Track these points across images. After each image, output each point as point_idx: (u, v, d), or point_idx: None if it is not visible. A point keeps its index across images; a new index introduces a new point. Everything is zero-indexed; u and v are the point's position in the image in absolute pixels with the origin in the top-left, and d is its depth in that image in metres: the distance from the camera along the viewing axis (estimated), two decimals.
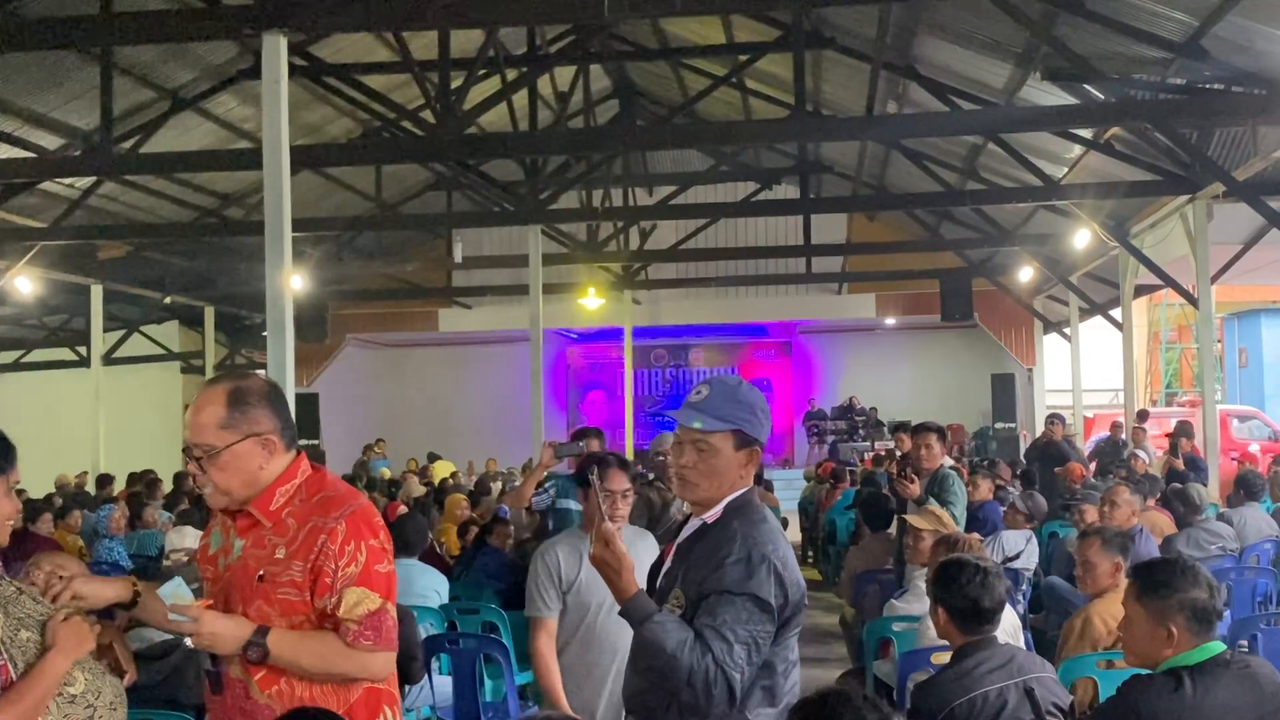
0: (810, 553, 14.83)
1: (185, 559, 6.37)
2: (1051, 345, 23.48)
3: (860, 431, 22.34)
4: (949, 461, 7.38)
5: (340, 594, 2.71)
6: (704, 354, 26.83)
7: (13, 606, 2.78)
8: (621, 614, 2.84)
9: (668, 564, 3.05)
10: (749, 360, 26.86)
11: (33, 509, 10.28)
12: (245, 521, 2.81)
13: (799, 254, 19.51)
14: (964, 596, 3.82)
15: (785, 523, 14.68)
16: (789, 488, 18.37)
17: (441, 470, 18.34)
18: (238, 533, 2.81)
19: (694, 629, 2.75)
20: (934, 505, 6.39)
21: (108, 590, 2.89)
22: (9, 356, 22.65)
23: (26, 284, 15.40)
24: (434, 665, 6.13)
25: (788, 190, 20.89)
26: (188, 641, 2.70)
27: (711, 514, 2.94)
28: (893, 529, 7.68)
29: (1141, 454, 13.74)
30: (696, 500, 3.00)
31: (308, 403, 19.80)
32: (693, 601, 2.82)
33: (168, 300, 19.53)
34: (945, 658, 4.08)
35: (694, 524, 3.00)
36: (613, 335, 23.90)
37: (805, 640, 10.12)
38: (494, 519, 9.16)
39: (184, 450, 2.84)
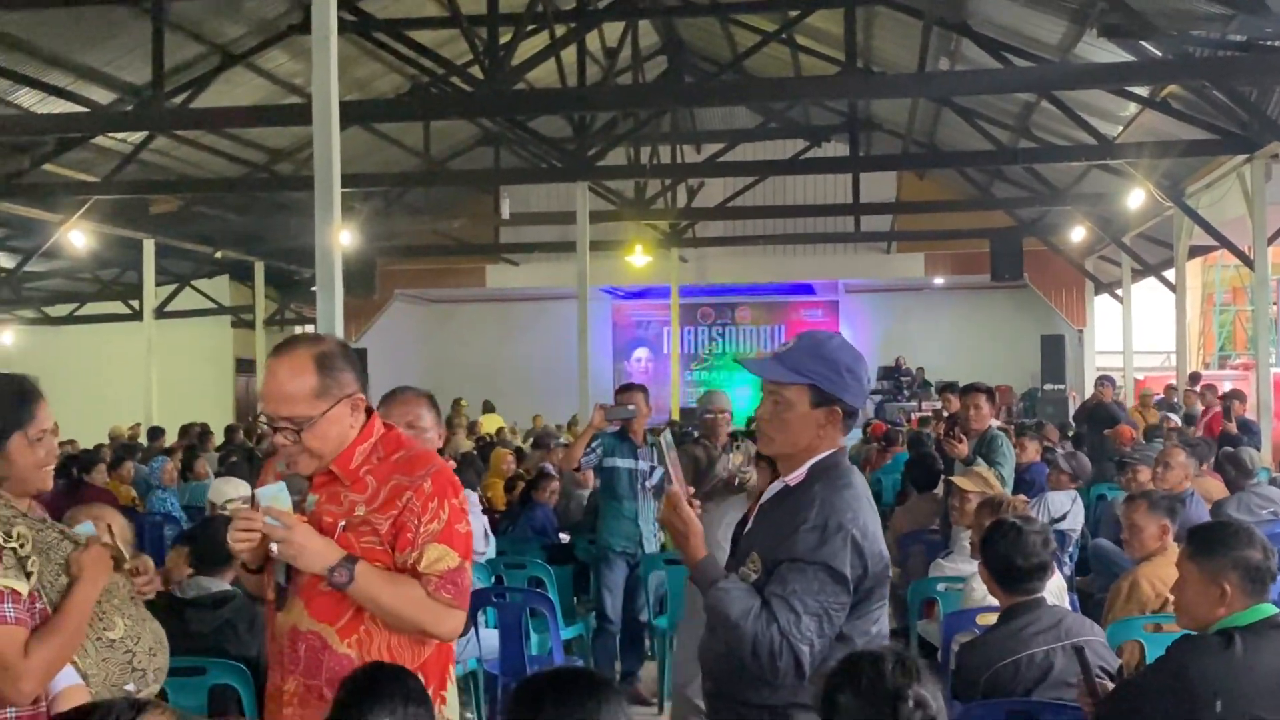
0: None
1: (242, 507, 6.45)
2: (1103, 306, 23.19)
3: (906, 392, 22.20)
4: (997, 423, 7.34)
5: (422, 549, 2.72)
6: (750, 312, 26.74)
7: (54, 552, 2.84)
8: (690, 578, 2.81)
9: (749, 525, 2.97)
10: (795, 319, 26.73)
11: (86, 460, 10.45)
12: (322, 478, 2.81)
13: (847, 212, 19.35)
14: (1002, 557, 3.81)
15: None
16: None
17: (490, 424, 18.44)
18: (313, 488, 2.81)
19: (763, 597, 2.67)
20: (981, 466, 6.37)
21: None
22: (63, 309, 22.95)
23: (80, 238, 15.57)
24: (480, 618, 6.20)
25: (837, 148, 20.69)
26: (273, 548, 2.68)
27: (794, 476, 2.85)
28: (939, 490, 7.65)
29: (1173, 416, 13.59)
30: (772, 454, 2.95)
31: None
32: (768, 566, 2.74)
33: (218, 255, 19.70)
34: (991, 619, 4.08)
35: (776, 485, 2.91)
36: (659, 293, 23.87)
37: None
38: (540, 474, 9.21)
39: (268, 423, 2.80)
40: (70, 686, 2.72)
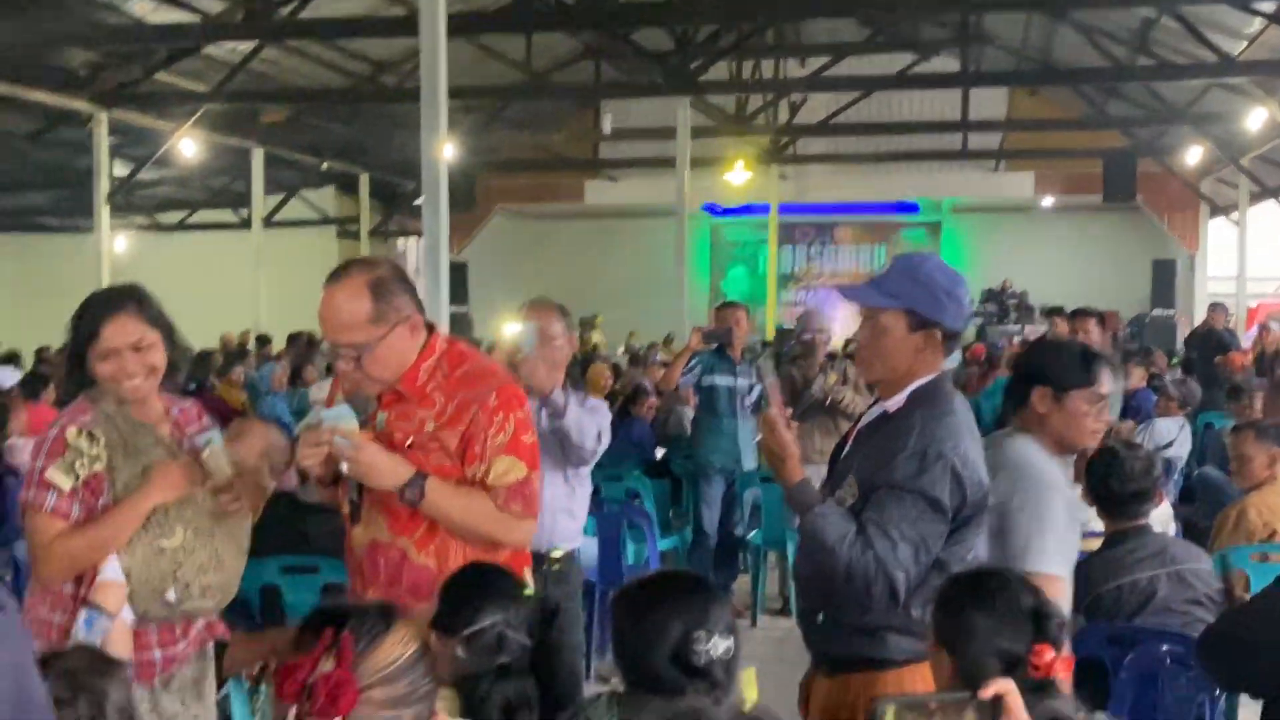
0: None
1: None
2: (1217, 230, 22.47)
3: (1012, 315, 21.81)
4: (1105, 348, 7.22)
5: (490, 462, 2.78)
6: (850, 231, 26.37)
7: (144, 456, 2.94)
8: (786, 502, 2.81)
9: (847, 448, 2.95)
10: (896, 239, 26.32)
11: (198, 366, 10.75)
12: (390, 396, 2.84)
13: (955, 130, 18.93)
14: (1105, 483, 3.78)
15: None
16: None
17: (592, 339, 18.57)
18: (381, 406, 2.84)
19: (859, 523, 2.66)
20: None
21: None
22: (174, 217, 23.45)
23: (190, 146, 15.85)
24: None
25: (946, 63, 20.16)
26: (343, 468, 2.72)
27: (894, 402, 2.80)
28: None
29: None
30: (871, 380, 2.96)
31: (457, 272, 20.11)
32: (865, 491, 2.71)
33: (325, 166, 19.94)
34: (1092, 545, 4.05)
35: (876, 411, 2.88)
36: (758, 211, 23.64)
37: None
38: (636, 390, 9.27)
39: (330, 350, 2.84)
40: (107, 581, 2.82)
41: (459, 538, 2.81)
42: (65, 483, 2.84)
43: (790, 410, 7.28)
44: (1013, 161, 21.80)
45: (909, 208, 25.22)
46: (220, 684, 3.65)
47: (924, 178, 22.83)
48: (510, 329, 3.59)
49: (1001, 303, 22.12)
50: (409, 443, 2.79)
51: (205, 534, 2.96)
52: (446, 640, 2.18)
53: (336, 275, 2.80)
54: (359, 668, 1.41)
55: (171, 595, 2.90)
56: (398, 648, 1.47)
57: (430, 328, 2.90)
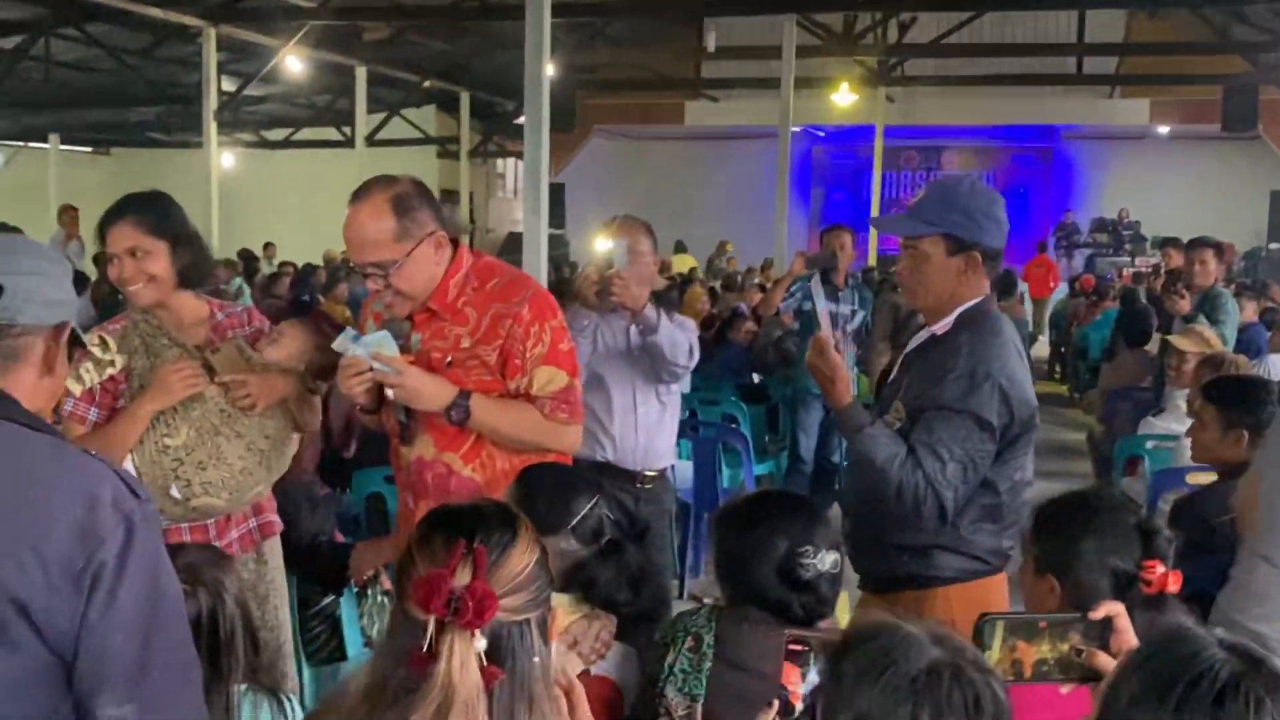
0: (1058, 368, 14.42)
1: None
2: None
3: (1126, 246, 21.22)
4: (1221, 281, 6.98)
5: (531, 374, 2.82)
6: (958, 157, 25.80)
7: (159, 359, 3.05)
8: (837, 424, 2.88)
9: (894, 373, 2.98)
10: (1006, 166, 25.72)
11: (302, 281, 10.93)
12: (423, 315, 2.87)
13: (1070, 52, 18.31)
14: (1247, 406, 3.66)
15: (1034, 337, 14.28)
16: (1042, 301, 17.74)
17: (682, 264, 18.48)
18: (415, 327, 2.87)
19: (909, 444, 2.70)
20: (1202, 325, 6.07)
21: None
22: (279, 134, 23.77)
23: (296, 63, 15.99)
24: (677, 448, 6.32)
25: None
26: (388, 393, 2.78)
27: (941, 325, 2.84)
28: (1152, 346, 7.35)
29: None
30: (919, 308, 2.92)
31: (555, 192, 20.13)
32: (912, 414, 2.75)
33: (426, 84, 19.99)
34: (1201, 479, 3.96)
35: (923, 335, 2.91)
36: (862, 134, 23.20)
37: (1045, 455, 9.93)
38: (733, 314, 9.23)
39: (355, 270, 2.91)
40: None
41: (506, 449, 2.87)
42: (75, 387, 2.99)
43: (890, 337, 7.19)
44: (1128, 87, 21.05)
45: (1020, 133, 24.56)
46: (333, 589, 3.74)
47: (1036, 102, 22.13)
48: (601, 245, 3.57)
49: (1115, 233, 21.55)
50: (448, 361, 2.83)
51: (209, 432, 3.04)
52: (549, 540, 2.20)
53: (359, 194, 2.77)
54: (493, 578, 1.46)
55: (175, 492, 2.99)
56: (525, 556, 1.52)
57: (455, 243, 2.91)
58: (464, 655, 1.42)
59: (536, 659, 1.51)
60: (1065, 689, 1.77)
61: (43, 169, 21.33)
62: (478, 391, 2.80)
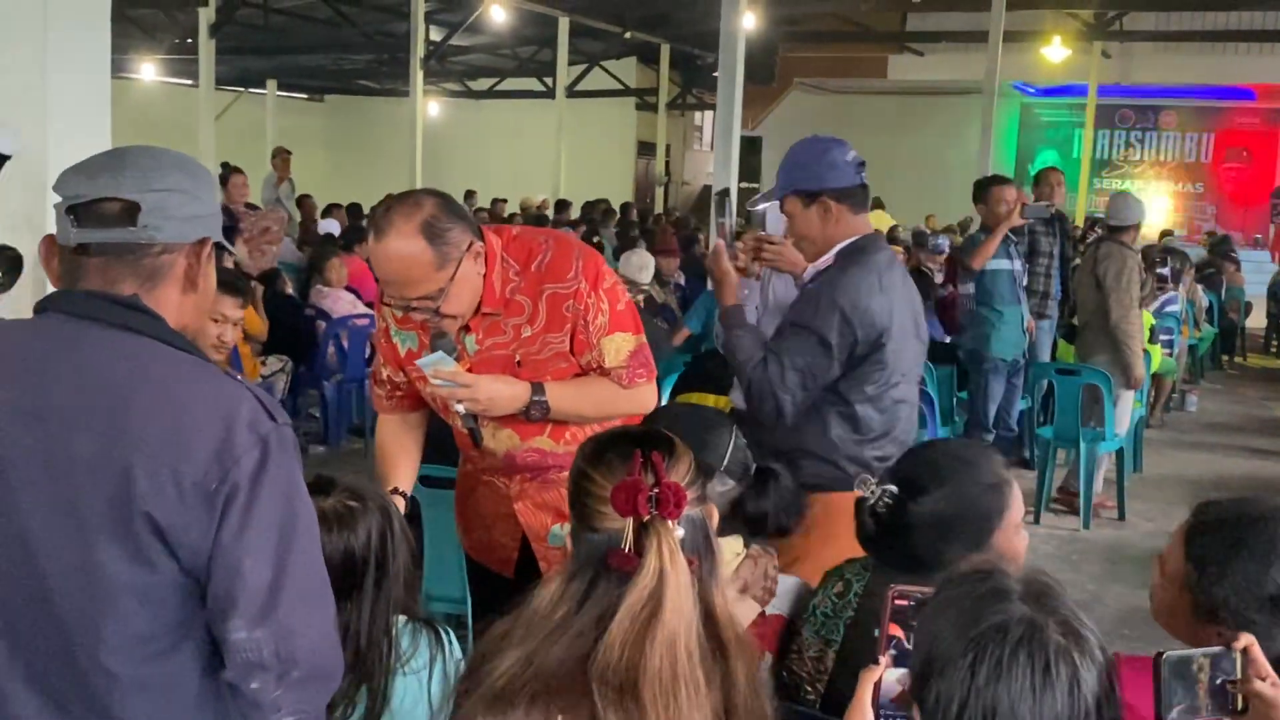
0: (1276, 340, 13.63)
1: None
2: None
3: None
4: None
5: (599, 347, 2.70)
6: (1176, 117, 24.51)
7: None
8: (719, 320, 3.31)
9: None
10: (1228, 127, 24.31)
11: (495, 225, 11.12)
12: (474, 317, 2.68)
13: None
14: None
15: (1249, 307, 13.49)
16: (1259, 270, 16.77)
17: (878, 221, 18.09)
18: (468, 330, 2.69)
19: (765, 350, 3.15)
20: None
21: None
22: (484, 84, 24.25)
23: (500, 13, 16.23)
24: None
25: None
26: (459, 408, 2.62)
27: (822, 261, 3.22)
28: None
29: None
30: (810, 260, 3.26)
31: (751, 146, 19.99)
32: (780, 329, 3.20)
33: (627, 35, 20.04)
34: None
35: (811, 270, 3.29)
36: (1075, 91, 22.25)
37: (1259, 433, 9.42)
38: (918, 273, 9.02)
39: (402, 310, 2.62)
40: None
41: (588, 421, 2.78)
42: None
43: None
44: None
45: (1244, 93, 23.14)
46: None
47: (1262, 61, 20.77)
48: (757, 208, 3.52)
49: None
50: (517, 360, 2.68)
51: None
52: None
53: (381, 229, 2.49)
54: (673, 476, 1.61)
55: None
56: (686, 456, 1.68)
57: (479, 234, 2.67)
58: (672, 544, 1.55)
59: (715, 550, 1.66)
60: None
61: (260, 114, 22.31)
62: (552, 379, 2.69)
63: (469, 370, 2.65)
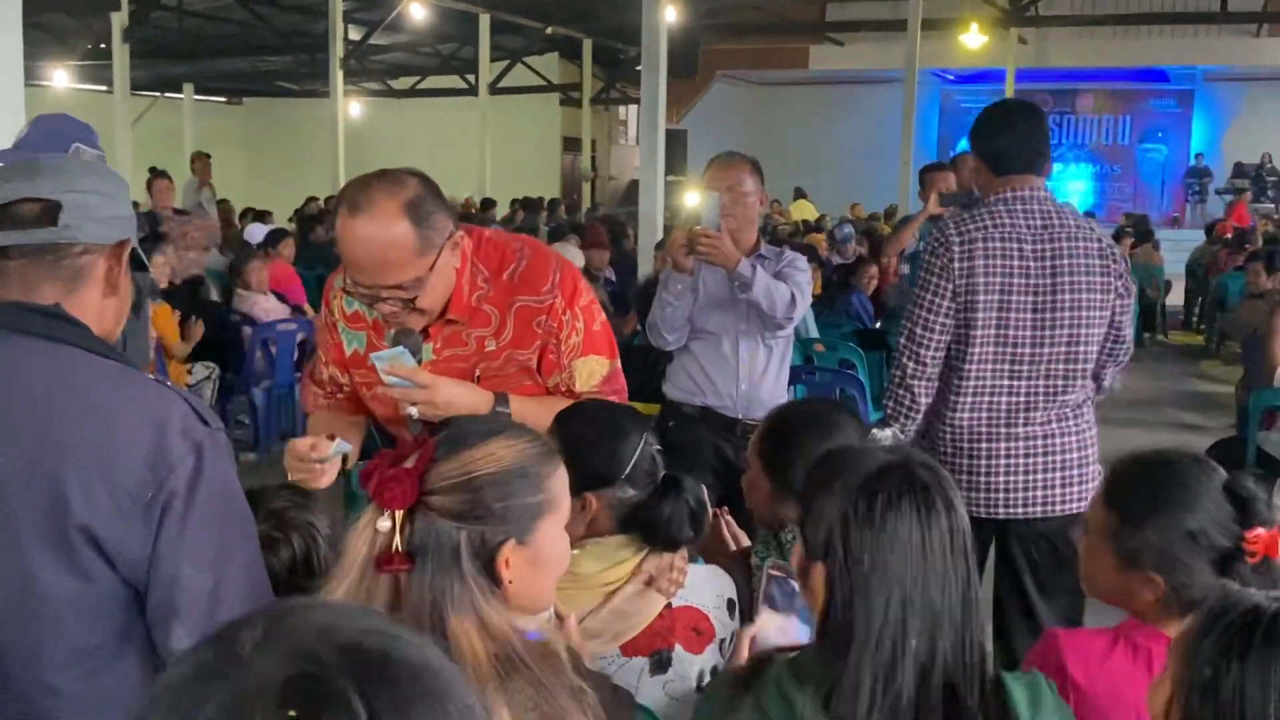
0: (1195, 317, 13.94)
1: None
2: None
3: (1270, 193, 20.34)
4: None
5: (570, 369, 2.51)
6: (1093, 100, 24.94)
7: None
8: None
9: None
10: (1144, 109, 24.79)
11: None
12: (435, 324, 2.45)
13: None
14: None
15: (1168, 285, 13.78)
16: (1176, 249, 17.12)
17: (800, 211, 18.24)
18: (427, 337, 2.46)
19: None
20: None
21: None
22: (405, 83, 24.05)
23: (420, 11, 16.11)
24: (791, 393, 6.25)
25: None
26: (412, 411, 2.35)
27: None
28: None
29: None
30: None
31: (677, 139, 20.02)
32: None
33: (549, 30, 19.98)
34: None
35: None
36: (993, 78, 22.54)
37: (1181, 407, 9.60)
38: (859, 260, 9.10)
39: (364, 293, 2.32)
40: None
41: None
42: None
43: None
44: (1276, 26, 20.03)
45: (1158, 75, 23.62)
46: None
47: (1176, 42, 21.22)
48: (691, 199, 3.43)
49: (1259, 178, 20.67)
50: (477, 375, 2.46)
51: None
52: (605, 492, 2.16)
53: (359, 204, 2.22)
54: (429, 471, 1.52)
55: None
56: (481, 464, 1.57)
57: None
58: (369, 525, 1.47)
59: (461, 580, 1.46)
60: None
61: (178, 118, 21.93)
62: (517, 395, 2.46)
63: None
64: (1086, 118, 25.08)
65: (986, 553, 3.12)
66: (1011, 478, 3.08)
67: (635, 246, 9.87)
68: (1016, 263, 3.04)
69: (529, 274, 2.46)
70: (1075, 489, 3.09)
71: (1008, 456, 3.08)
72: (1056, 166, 24.45)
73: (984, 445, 3.09)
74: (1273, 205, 19.18)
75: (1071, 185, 24.71)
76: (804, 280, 3.77)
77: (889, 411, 3.21)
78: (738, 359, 3.81)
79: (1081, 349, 3.07)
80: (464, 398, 2.37)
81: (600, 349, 2.54)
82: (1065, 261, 3.04)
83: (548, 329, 2.45)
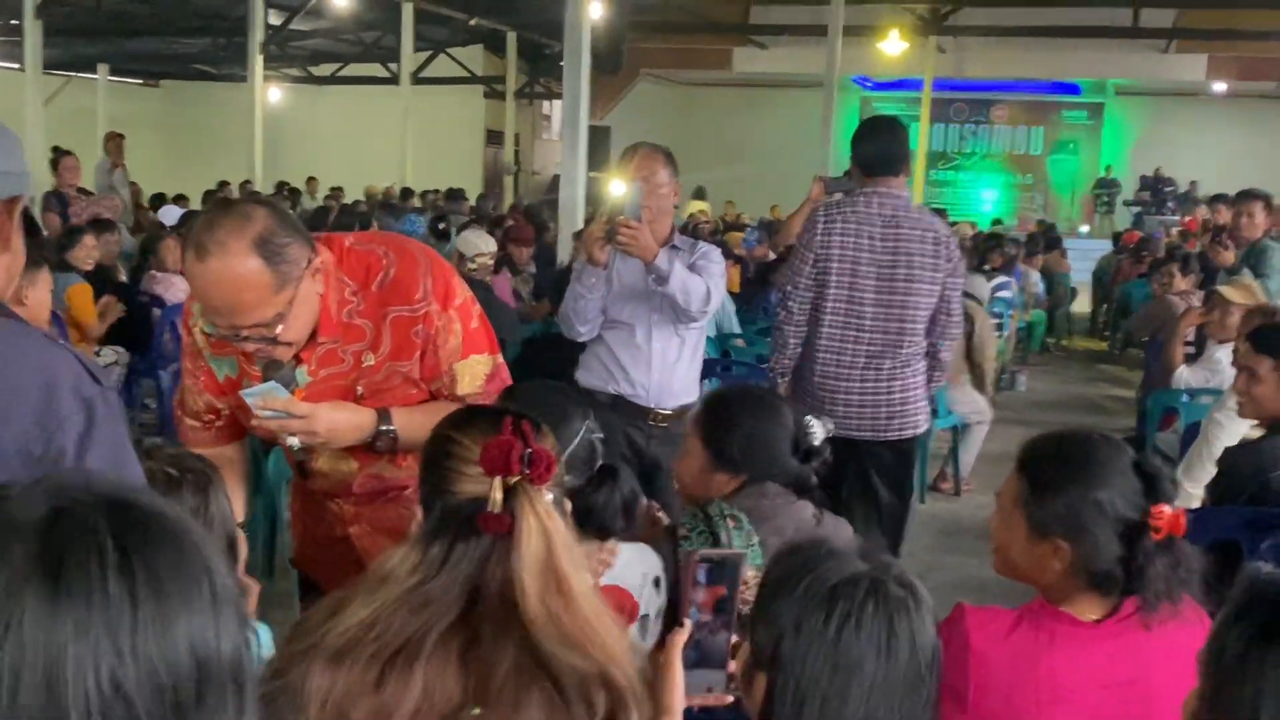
0: (1102, 324, 14.28)
1: (489, 262, 6.77)
2: None
3: (1170, 204, 20.91)
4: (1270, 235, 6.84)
5: (452, 373, 2.45)
6: (1008, 111, 25.45)
7: None
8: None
9: None
10: (1056, 121, 25.35)
11: (343, 217, 10.97)
12: (305, 349, 2.36)
13: (1127, 3, 17.94)
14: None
15: (1074, 293, 14.10)
16: (1084, 258, 17.53)
17: (694, 208, 18.29)
18: (299, 360, 2.37)
19: None
20: (1247, 277, 5.97)
21: None
22: (326, 69, 23.74)
23: None
24: (704, 386, 6.31)
25: None
26: (293, 441, 2.31)
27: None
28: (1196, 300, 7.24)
29: None
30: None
31: (600, 135, 20.04)
32: None
33: (474, 22, 19.88)
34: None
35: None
36: (911, 86, 22.92)
37: (1084, 412, 9.81)
38: (777, 259, 9.20)
39: (233, 337, 2.24)
40: None
41: None
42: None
43: None
44: (1184, 42, 20.61)
45: (1070, 88, 24.18)
46: None
47: (1089, 55, 21.74)
48: (615, 189, 3.45)
49: (1157, 191, 21.22)
50: (359, 392, 2.40)
51: None
52: None
53: (206, 247, 2.11)
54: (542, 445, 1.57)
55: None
56: (551, 439, 1.67)
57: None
58: (545, 505, 1.52)
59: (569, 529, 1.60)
60: None
61: (92, 99, 21.45)
62: (398, 405, 2.41)
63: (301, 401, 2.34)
64: (1000, 127, 25.57)
65: (849, 467, 3.90)
66: (863, 410, 3.95)
67: (555, 239, 9.88)
68: (865, 244, 3.88)
69: (398, 283, 2.37)
70: (911, 420, 4.04)
71: (860, 394, 3.95)
72: (970, 174, 24.96)
73: (842, 384, 3.96)
74: (1175, 217, 19.70)
75: (984, 193, 25.20)
76: (718, 273, 3.80)
77: (771, 348, 4.14)
78: (650, 348, 3.83)
79: (912, 314, 3.94)
80: (346, 422, 2.34)
81: (480, 347, 2.49)
82: (904, 246, 3.89)
83: (426, 337, 2.39)
